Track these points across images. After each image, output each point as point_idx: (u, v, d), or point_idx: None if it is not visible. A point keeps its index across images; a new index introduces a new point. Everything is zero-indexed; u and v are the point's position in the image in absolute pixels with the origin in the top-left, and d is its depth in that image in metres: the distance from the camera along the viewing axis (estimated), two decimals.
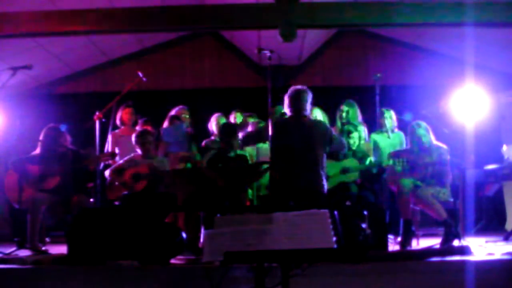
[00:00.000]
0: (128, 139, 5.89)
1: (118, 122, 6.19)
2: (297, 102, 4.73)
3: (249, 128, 5.89)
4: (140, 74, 6.00)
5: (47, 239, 5.71)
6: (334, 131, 6.20)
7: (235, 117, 6.49)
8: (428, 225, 6.06)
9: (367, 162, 5.62)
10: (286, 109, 4.82)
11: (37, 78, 8.01)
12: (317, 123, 4.88)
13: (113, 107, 5.89)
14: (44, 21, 5.25)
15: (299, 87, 4.85)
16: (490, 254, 4.34)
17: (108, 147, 6.07)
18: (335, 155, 5.54)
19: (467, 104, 5.95)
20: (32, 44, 6.80)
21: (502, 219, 6.60)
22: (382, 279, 3.86)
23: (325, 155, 4.82)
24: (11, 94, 7.14)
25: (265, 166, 5.18)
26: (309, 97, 4.78)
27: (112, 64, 8.48)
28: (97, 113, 5.77)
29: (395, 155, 5.36)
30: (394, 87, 7.62)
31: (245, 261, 2.74)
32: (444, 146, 5.21)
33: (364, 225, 4.20)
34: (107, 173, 5.51)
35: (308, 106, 4.80)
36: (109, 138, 6.06)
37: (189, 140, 5.99)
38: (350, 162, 5.53)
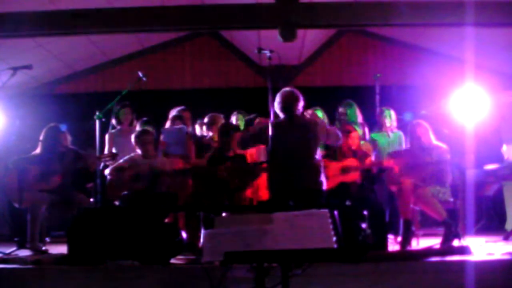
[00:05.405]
0: (125, 139, 5.89)
1: (114, 121, 6.18)
2: (288, 105, 4.73)
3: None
4: (140, 74, 6.00)
5: (47, 239, 5.71)
6: None
7: (237, 119, 6.50)
8: (428, 225, 6.06)
9: (367, 162, 5.62)
10: (279, 112, 4.82)
11: (37, 78, 8.01)
12: (310, 122, 4.90)
13: (114, 107, 5.90)
14: (44, 21, 5.25)
15: (288, 89, 4.86)
16: (490, 254, 4.35)
17: (106, 147, 6.07)
18: (332, 155, 5.57)
19: (467, 104, 5.94)
20: (32, 44, 6.79)
21: (502, 219, 6.59)
22: (382, 279, 3.87)
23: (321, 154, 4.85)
24: (11, 94, 7.14)
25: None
26: (299, 97, 4.78)
27: (112, 64, 8.48)
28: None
29: (395, 155, 5.36)
30: (394, 87, 7.62)
31: (245, 261, 2.74)
32: (444, 146, 5.21)
33: (364, 225, 4.20)
34: (107, 171, 5.51)
35: (300, 106, 4.80)
36: (106, 138, 6.06)
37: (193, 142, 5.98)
38: (350, 162, 5.53)
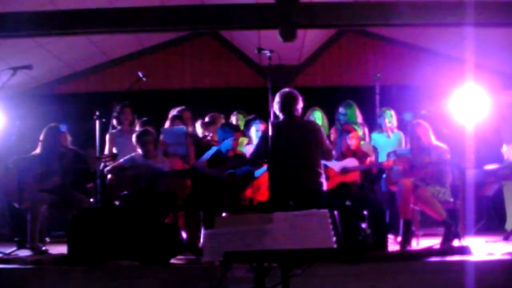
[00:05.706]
0: (126, 139, 5.88)
1: (114, 122, 6.18)
2: (287, 105, 4.73)
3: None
4: (140, 74, 6.00)
5: (47, 239, 5.71)
6: (334, 132, 6.23)
7: (237, 119, 6.50)
8: (428, 225, 6.06)
9: (367, 162, 5.62)
10: (278, 113, 4.81)
11: (37, 78, 8.01)
12: (310, 123, 4.95)
13: (114, 107, 5.91)
14: (44, 21, 5.25)
15: (286, 89, 4.87)
16: (490, 254, 4.35)
17: (106, 147, 6.07)
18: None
19: (467, 104, 5.95)
20: (32, 44, 6.79)
21: (502, 219, 6.59)
22: (382, 279, 3.87)
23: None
24: (11, 94, 7.14)
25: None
26: (298, 98, 4.78)
27: (112, 64, 8.48)
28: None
29: (395, 155, 5.36)
30: (394, 87, 7.63)
31: (245, 261, 2.74)
32: (444, 146, 5.21)
33: (364, 225, 4.20)
34: (106, 170, 5.50)
35: (299, 106, 4.80)
36: (107, 138, 6.05)
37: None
38: (350, 162, 5.53)
